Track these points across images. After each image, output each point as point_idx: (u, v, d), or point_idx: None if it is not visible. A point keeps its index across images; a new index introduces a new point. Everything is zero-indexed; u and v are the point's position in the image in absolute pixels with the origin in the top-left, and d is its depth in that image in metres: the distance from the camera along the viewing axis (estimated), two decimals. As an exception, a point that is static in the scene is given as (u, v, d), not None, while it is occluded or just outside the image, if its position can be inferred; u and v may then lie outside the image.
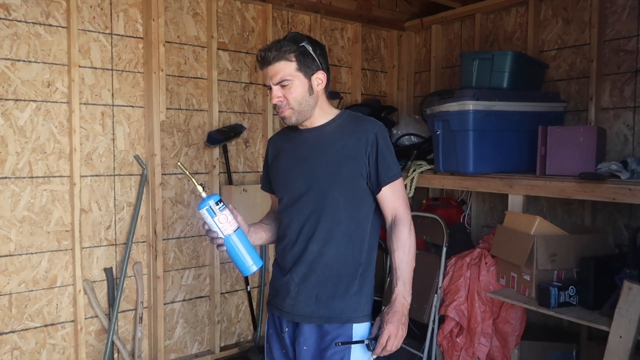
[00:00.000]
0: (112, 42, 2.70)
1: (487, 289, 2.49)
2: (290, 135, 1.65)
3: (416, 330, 3.04)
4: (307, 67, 1.51)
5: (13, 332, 2.46)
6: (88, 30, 2.62)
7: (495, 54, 2.70)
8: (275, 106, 1.55)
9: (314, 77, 1.53)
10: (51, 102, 2.53)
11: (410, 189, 3.02)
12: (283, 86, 1.50)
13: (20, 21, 2.43)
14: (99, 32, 2.66)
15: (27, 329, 2.50)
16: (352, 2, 3.57)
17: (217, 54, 3.02)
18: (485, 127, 2.59)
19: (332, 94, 3.50)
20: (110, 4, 2.69)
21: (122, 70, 2.74)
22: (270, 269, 1.71)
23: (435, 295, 2.72)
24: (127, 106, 2.76)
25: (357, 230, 1.55)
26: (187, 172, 1.45)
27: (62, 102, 2.56)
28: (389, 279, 3.06)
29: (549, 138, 2.44)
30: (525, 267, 2.24)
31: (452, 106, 2.61)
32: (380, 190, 1.54)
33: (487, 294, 2.47)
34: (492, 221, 3.22)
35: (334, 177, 1.53)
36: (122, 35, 2.73)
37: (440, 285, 2.71)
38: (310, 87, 1.52)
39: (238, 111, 3.15)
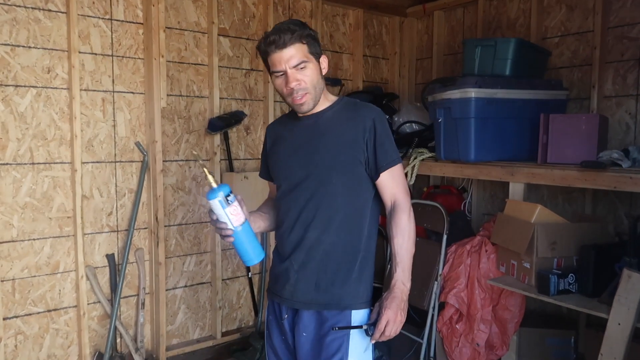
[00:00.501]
0: (112, 27, 2.68)
1: (487, 276, 2.50)
2: (288, 123, 1.64)
3: (416, 317, 3.06)
4: (316, 50, 1.51)
5: (16, 317, 2.48)
6: (88, 16, 2.60)
7: (498, 41, 2.68)
8: (288, 93, 1.49)
9: (321, 61, 1.54)
10: (51, 88, 2.52)
11: (411, 177, 3.02)
12: (300, 69, 1.47)
13: (20, 6, 2.41)
14: (99, 18, 2.64)
15: (30, 314, 2.52)
16: (354, -13, 3.54)
17: (218, 40, 3.00)
18: (487, 115, 2.58)
19: (334, 81, 3.49)
20: (110, -11, 2.66)
21: (123, 56, 2.73)
22: (271, 256, 1.71)
23: (436, 282, 2.74)
24: (127, 92, 2.75)
25: (356, 217, 1.56)
26: (201, 161, 1.46)
27: (62, 88, 2.55)
28: (389, 266, 3.07)
29: (550, 126, 2.43)
30: (526, 255, 2.25)
31: (454, 94, 2.59)
32: (379, 176, 1.54)
33: (487, 281, 2.48)
34: (493, 209, 3.23)
35: (332, 164, 1.53)
36: (122, 21, 2.71)
37: (440, 272, 2.73)
38: (320, 71, 1.53)
39: (239, 98, 3.14)
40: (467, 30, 3.48)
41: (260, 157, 1.78)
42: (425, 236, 3.09)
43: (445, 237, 2.79)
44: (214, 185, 1.40)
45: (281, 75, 1.48)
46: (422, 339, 2.81)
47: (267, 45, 1.48)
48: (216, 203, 1.39)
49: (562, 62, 2.96)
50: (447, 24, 3.62)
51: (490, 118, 2.59)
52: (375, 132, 1.53)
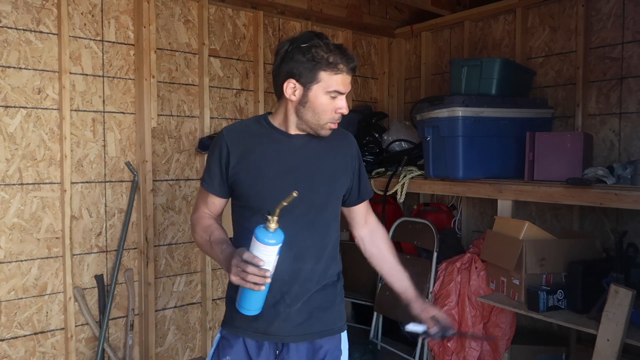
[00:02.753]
0: (103, 48, 2.71)
1: (478, 293, 2.51)
2: (264, 136, 1.47)
3: (408, 336, 3.06)
4: None
5: (2, 340, 2.44)
6: (79, 37, 2.62)
7: (484, 61, 2.74)
8: (333, 117, 1.41)
9: None
10: (42, 108, 2.53)
11: (401, 195, 3.04)
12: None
13: (11, 28, 2.43)
14: (90, 39, 2.66)
15: (16, 337, 2.48)
16: (342, 9, 3.60)
17: (209, 60, 3.03)
18: (475, 133, 2.62)
19: (323, 100, 3.52)
20: (102, 11, 2.69)
21: (114, 77, 2.74)
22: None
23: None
24: (118, 112, 2.76)
25: (336, 243, 1.57)
26: (287, 202, 1.24)
27: (52, 109, 2.56)
28: (380, 284, 3.07)
29: (536, 144, 2.47)
30: (515, 272, 2.27)
31: (442, 112, 2.63)
32: (358, 204, 1.61)
33: (477, 299, 2.49)
34: (483, 226, 3.25)
35: (330, 191, 1.50)
36: (114, 42, 2.74)
37: (431, 289, 2.73)
38: None
39: (229, 117, 3.16)
40: (454, 51, 3.55)
41: (207, 169, 1.50)
42: (416, 253, 3.11)
43: (435, 254, 2.80)
44: (276, 226, 1.23)
45: (336, 97, 1.39)
46: (414, 357, 2.80)
47: (341, 62, 1.37)
48: (277, 249, 1.24)
49: (547, 82, 3.03)
50: (435, 44, 3.69)
51: (477, 136, 2.63)
52: (359, 160, 1.59)
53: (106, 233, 2.75)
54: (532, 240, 2.24)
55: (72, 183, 2.59)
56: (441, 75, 3.63)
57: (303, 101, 1.40)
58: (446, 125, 2.63)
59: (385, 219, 3.14)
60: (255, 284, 1.22)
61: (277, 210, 1.23)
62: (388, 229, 3.13)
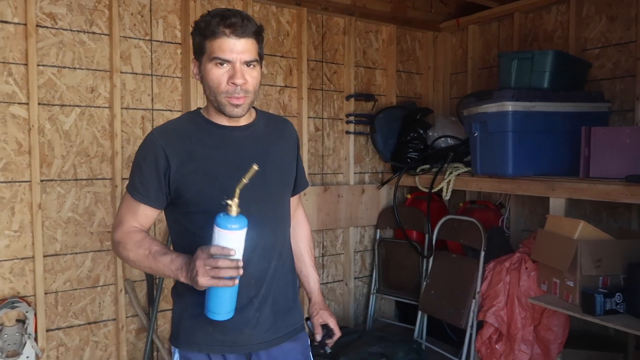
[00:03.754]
0: (151, 48, 2.77)
1: (528, 294, 2.42)
2: (202, 134, 1.33)
3: (453, 336, 3.00)
4: (262, 54, 1.32)
5: (59, 329, 2.55)
6: (129, 37, 2.70)
7: (536, 54, 2.64)
8: (227, 90, 1.25)
9: (263, 67, 1.35)
10: (94, 107, 2.62)
11: (446, 192, 2.98)
12: (248, 68, 1.26)
13: (66, 29, 2.53)
14: (140, 39, 2.73)
15: (71, 326, 2.59)
16: (386, 4, 3.55)
17: (253, 58, 3.05)
18: (525, 129, 2.53)
19: (367, 96, 3.50)
20: (150, 11, 2.76)
21: (162, 76, 2.81)
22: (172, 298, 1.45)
23: (473, 300, 2.67)
24: (166, 110, 2.83)
25: (289, 237, 1.50)
26: (247, 179, 1.15)
27: (104, 107, 2.64)
28: (425, 283, 3.02)
29: (592, 139, 2.35)
30: (569, 273, 2.17)
31: (491, 107, 2.56)
32: (294, 195, 1.54)
33: (527, 300, 2.40)
34: (532, 225, 3.14)
35: (283, 184, 1.43)
36: (162, 42, 2.80)
37: (478, 290, 2.66)
38: (260, 77, 1.33)
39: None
40: (503, 44, 3.44)
41: (138, 176, 1.32)
42: (462, 252, 3.03)
43: (482, 253, 2.73)
44: (237, 210, 1.13)
45: (225, 66, 1.24)
46: (460, 358, 2.73)
47: (220, 26, 1.22)
48: (242, 234, 1.14)
49: (603, 74, 2.88)
50: (482, 37, 3.58)
51: (528, 132, 2.54)
52: (299, 150, 1.53)
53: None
54: (587, 240, 2.14)
55: (122, 179, 2.67)
56: (489, 70, 3.52)
57: (202, 79, 1.29)
58: (495, 121, 2.55)
59: (430, 217, 3.08)
60: (230, 278, 1.12)
61: (237, 191, 1.12)
62: (433, 227, 3.08)
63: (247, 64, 1.25)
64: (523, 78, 2.66)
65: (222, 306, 1.18)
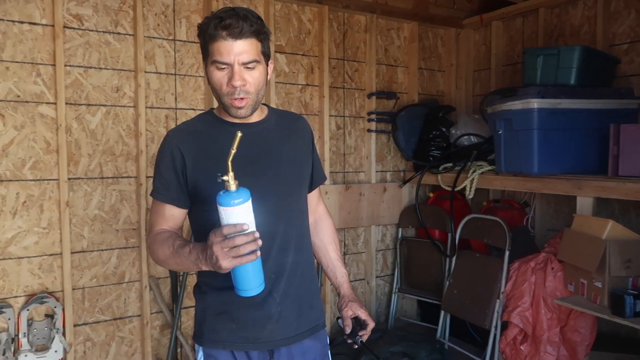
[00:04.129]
0: (175, 47, 2.80)
1: (554, 295, 2.38)
2: (216, 133, 1.35)
3: (476, 336, 2.96)
4: (267, 52, 1.31)
5: (85, 324, 2.60)
6: (153, 37, 2.73)
7: (562, 49, 2.58)
8: (227, 92, 1.26)
9: (269, 64, 1.34)
10: (119, 106, 2.66)
11: (470, 191, 2.94)
12: (248, 69, 1.25)
13: (92, 30, 2.57)
14: (163, 39, 2.77)
15: (98, 322, 2.64)
16: (408, 1, 3.52)
17: (275, 56, 3.06)
18: (551, 126, 2.48)
19: (389, 94, 3.48)
20: (174, 11, 2.79)
21: (185, 75, 2.84)
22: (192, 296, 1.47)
23: (498, 301, 2.63)
24: (189, 109, 2.86)
25: (309, 231, 1.50)
26: (235, 148, 1.13)
27: (129, 106, 2.68)
28: (448, 282, 2.99)
29: (621, 137, 2.30)
30: (597, 274, 2.12)
31: (515, 104, 2.52)
32: (313, 189, 1.55)
33: (554, 301, 2.36)
34: (558, 224, 3.08)
35: (299, 177, 1.43)
36: (185, 41, 2.83)
37: (502, 290, 2.62)
38: (266, 76, 1.33)
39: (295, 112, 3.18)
40: (527, 40, 3.38)
41: (158, 178, 1.35)
42: (486, 252, 3.00)
43: (507, 253, 2.69)
44: (236, 183, 1.11)
45: (224, 68, 1.25)
46: (483, 359, 2.70)
47: (217, 29, 1.22)
48: (248, 206, 1.12)
49: (633, 70, 2.81)
50: (506, 33, 3.53)
51: (554, 129, 2.49)
52: (314, 144, 1.53)
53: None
54: (616, 240, 2.09)
55: (147, 177, 2.71)
56: (513, 66, 3.47)
57: (208, 81, 1.31)
58: (520, 118, 2.51)
59: (453, 216, 3.05)
60: (251, 252, 1.11)
61: (230, 164, 1.10)
62: (456, 226, 3.04)
63: (246, 65, 1.25)
64: (549, 75, 2.61)
65: (251, 281, 1.18)
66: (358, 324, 1.48)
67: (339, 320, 1.51)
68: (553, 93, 2.46)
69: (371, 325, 1.48)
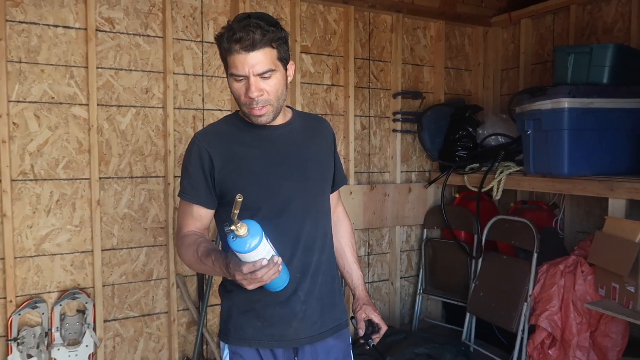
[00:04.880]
0: (202, 49, 2.85)
1: (584, 299, 2.33)
2: (243, 134, 1.37)
3: (503, 339, 2.92)
4: (285, 56, 1.31)
5: (115, 320, 2.67)
6: (181, 39, 2.78)
7: (594, 47, 2.52)
8: (246, 102, 1.29)
9: (288, 67, 1.35)
10: (148, 107, 2.72)
11: (497, 192, 2.90)
12: (264, 78, 1.27)
13: (123, 33, 2.63)
14: (191, 41, 2.81)
15: (127, 318, 2.70)
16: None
17: (300, 57, 3.07)
18: (582, 126, 2.43)
19: (415, 94, 3.45)
20: (201, 13, 2.83)
21: (212, 76, 2.88)
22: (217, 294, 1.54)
23: (525, 304, 2.59)
24: (216, 110, 2.90)
25: (331, 231, 1.53)
26: (236, 211, 1.14)
27: (158, 107, 2.74)
28: (473, 284, 2.95)
29: (657, 137, 2.23)
30: (629, 278, 2.06)
31: (545, 104, 2.47)
32: (333, 192, 1.56)
33: (584, 305, 2.31)
34: (589, 227, 3.00)
35: (324, 178, 1.48)
36: (212, 43, 2.86)
37: (530, 293, 2.58)
38: (286, 80, 1.34)
39: (320, 113, 3.19)
40: (558, 38, 3.31)
41: (187, 179, 1.38)
42: (513, 254, 2.95)
43: (535, 255, 2.64)
44: (242, 231, 1.13)
45: (241, 80, 1.27)
46: (510, 363, 2.66)
47: (230, 42, 1.24)
48: (264, 243, 1.15)
49: (669, 68, 2.71)
50: (535, 31, 3.46)
51: (585, 129, 2.43)
52: (335, 147, 1.55)
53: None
54: (650, 243, 2.03)
55: (174, 176, 2.76)
56: (542, 65, 3.40)
57: (230, 88, 1.34)
58: (550, 118, 2.46)
59: (480, 217, 3.01)
60: (274, 274, 1.17)
61: (235, 219, 1.12)
62: (482, 227, 3.00)
63: (262, 75, 1.26)
64: (580, 73, 2.55)
65: (277, 283, 1.25)
66: (371, 326, 1.51)
67: (353, 321, 1.54)
68: (585, 92, 2.41)
69: (384, 329, 1.50)
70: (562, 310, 2.41)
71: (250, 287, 1.18)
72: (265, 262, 1.15)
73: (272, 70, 1.27)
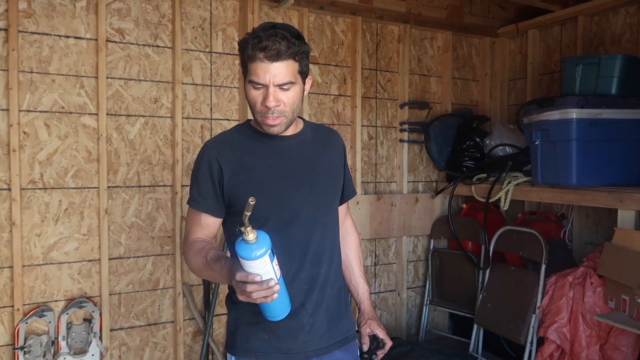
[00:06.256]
0: (211, 59, 2.87)
1: (593, 311, 2.30)
2: (253, 144, 1.38)
3: (511, 352, 2.89)
4: (305, 70, 1.32)
5: (121, 329, 2.67)
6: (190, 50, 2.81)
7: (603, 58, 2.52)
8: (262, 111, 1.29)
9: (307, 82, 1.36)
10: (157, 117, 2.74)
11: (504, 202, 2.89)
12: (283, 90, 1.28)
13: (133, 44, 2.66)
14: (200, 51, 2.84)
15: (133, 327, 2.70)
16: (442, 10, 3.51)
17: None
18: (591, 137, 2.42)
19: (422, 104, 3.45)
20: (210, 24, 2.86)
21: (220, 86, 2.90)
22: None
23: (534, 316, 2.56)
24: (224, 119, 2.91)
25: (339, 243, 1.52)
26: (248, 213, 1.12)
27: (166, 117, 2.76)
28: (481, 295, 2.93)
29: (666, 148, 2.22)
30: None
31: (553, 115, 2.46)
32: (342, 204, 1.55)
33: (593, 317, 2.28)
34: (597, 238, 2.98)
35: (333, 190, 1.48)
36: (220, 53, 2.89)
37: (538, 304, 2.55)
38: (303, 93, 1.35)
39: (327, 123, 3.20)
40: (565, 48, 3.31)
41: (196, 187, 1.38)
42: (521, 265, 2.93)
43: (543, 266, 2.62)
44: (251, 237, 1.12)
45: (260, 88, 1.28)
46: (519, 376, 2.63)
47: (255, 49, 1.25)
48: (266, 259, 1.13)
49: (678, 79, 2.70)
50: (543, 42, 3.46)
51: (594, 140, 2.43)
52: (345, 159, 1.55)
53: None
54: (661, 255, 2.01)
55: (182, 186, 2.77)
56: (550, 76, 3.40)
57: (245, 95, 1.34)
58: (558, 129, 2.45)
59: (487, 227, 2.99)
60: (264, 297, 1.13)
61: (247, 221, 1.10)
62: (490, 238, 2.98)
63: (281, 86, 1.27)
64: (588, 84, 2.54)
65: (273, 310, 1.23)
66: (375, 341, 1.50)
67: (357, 335, 1.54)
68: (593, 103, 2.40)
69: (388, 344, 1.50)
70: (571, 323, 2.38)
71: (241, 298, 1.15)
72: (258, 278, 1.12)
73: (292, 83, 1.28)
